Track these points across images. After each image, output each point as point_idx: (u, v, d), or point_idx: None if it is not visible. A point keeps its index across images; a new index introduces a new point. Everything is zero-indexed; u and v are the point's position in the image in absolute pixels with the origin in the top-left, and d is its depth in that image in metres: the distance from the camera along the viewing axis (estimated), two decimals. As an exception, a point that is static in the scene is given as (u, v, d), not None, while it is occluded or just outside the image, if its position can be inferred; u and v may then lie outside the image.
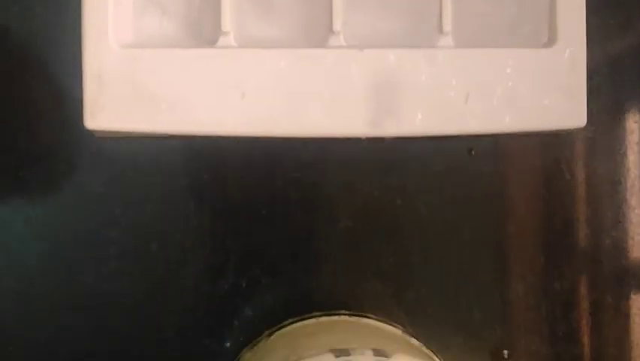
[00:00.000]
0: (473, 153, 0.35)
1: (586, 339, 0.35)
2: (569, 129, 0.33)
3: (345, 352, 0.25)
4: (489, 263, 0.35)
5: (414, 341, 0.31)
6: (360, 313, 0.33)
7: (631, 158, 0.35)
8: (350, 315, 0.33)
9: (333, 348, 0.25)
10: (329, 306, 0.34)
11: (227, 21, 0.32)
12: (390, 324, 0.33)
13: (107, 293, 0.34)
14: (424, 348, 0.29)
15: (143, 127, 0.32)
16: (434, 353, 0.31)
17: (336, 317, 0.32)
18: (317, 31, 0.32)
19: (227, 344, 0.34)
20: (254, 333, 0.34)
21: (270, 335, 0.32)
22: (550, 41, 0.32)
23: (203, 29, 0.32)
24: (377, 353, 0.25)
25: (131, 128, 0.32)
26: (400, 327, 0.33)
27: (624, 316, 0.35)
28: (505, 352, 0.35)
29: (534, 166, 0.35)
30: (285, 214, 0.35)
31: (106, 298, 0.34)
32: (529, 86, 0.32)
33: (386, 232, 0.35)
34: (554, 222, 0.35)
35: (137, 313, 0.34)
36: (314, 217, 0.35)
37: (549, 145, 0.35)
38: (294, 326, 0.32)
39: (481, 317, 0.35)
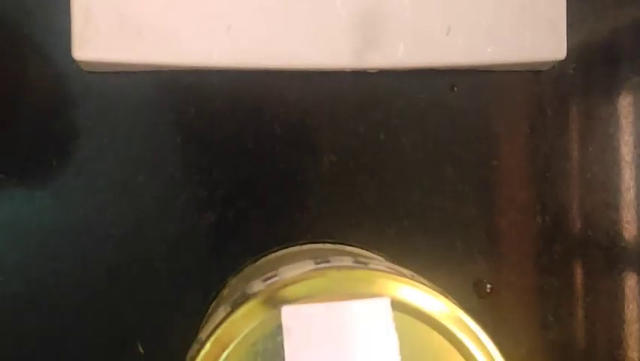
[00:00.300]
0: (456, 89, 0.36)
1: (568, 272, 0.36)
2: (550, 62, 0.34)
3: (325, 259, 0.25)
4: (472, 197, 0.36)
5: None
6: (343, 242, 0.34)
7: (612, 91, 0.36)
8: (333, 243, 0.34)
9: (314, 256, 0.25)
10: (313, 238, 0.35)
11: (211, -50, 0.32)
12: (372, 251, 0.34)
13: (94, 224, 0.34)
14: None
15: (129, 57, 0.33)
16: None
17: (320, 245, 0.33)
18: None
19: (214, 274, 0.34)
20: (240, 263, 0.34)
21: (255, 261, 0.32)
22: (531, -27, 0.33)
23: (188, -41, 0.33)
24: (356, 261, 0.25)
25: (117, 59, 0.33)
26: (383, 255, 0.33)
27: (606, 248, 0.36)
28: (488, 286, 0.35)
29: (516, 102, 0.36)
30: (271, 148, 0.35)
31: (92, 228, 0.34)
32: (511, 19, 0.33)
33: (370, 167, 0.35)
34: (537, 157, 0.36)
35: (125, 244, 0.34)
36: (299, 152, 0.35)
37: (531, 82, 0.36)
38: (278, 253, 0.32)
39: (463, 250, 0.36)
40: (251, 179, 0.35)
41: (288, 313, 0.23)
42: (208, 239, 0.35)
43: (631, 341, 0.36)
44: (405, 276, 0.25)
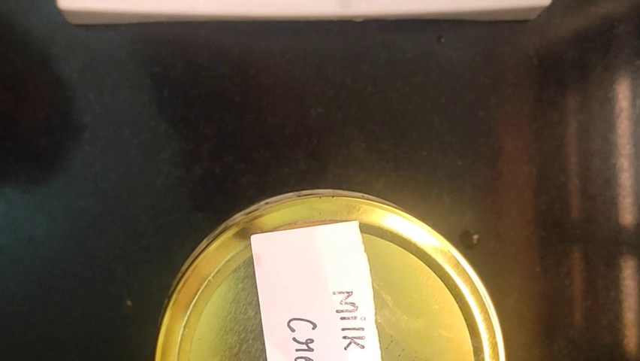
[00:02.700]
0: (442, 40, 0.35)
1: (555, 223, 0.36)
2: (535, 9, 0.34)
3: (308, 195, 0.25)
4: (458, 149, 0.36)
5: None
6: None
7: (600, 37, 0.36)
8: (320, 196, 0.34)
9: (298, 192, 0.25)
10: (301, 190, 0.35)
11: None
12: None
13: (80, 178, 0.34)
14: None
15: (114, 6, 0.32)
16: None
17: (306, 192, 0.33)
18: None
19: (201, 228, 0.34)
20: (227, 216, 0.34)
21: (239, 211, 0.32)
22: None
23: None
24: (336, 194, 0.25)
25: (102, 7, 0.32)
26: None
27: (593, 197, 0.36)
28: (475, 236, 0.36)
29: (503, 53, 0.36)
30: (257, 101, 0.35)
31: (78, 182, 0.34)
32: (497, -34, 0.33)
33: (357, 119, 0.35)
34: (522, 107, 0.36)
35: (111, 198, 0.34)
36: (286, 104, 0.35)
37: (517, 31, 0.36)
38: (263, 201, 0.32)
39: (451, 201, 0.36)
40: (237, 132, 0.35)
41: (257, 241, 0.23)
42: (194, 193, 0.35)
43: (618, 289, 0.36)
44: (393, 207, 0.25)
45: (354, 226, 0.23)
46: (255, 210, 0.24)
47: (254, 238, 0.23)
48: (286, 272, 0.23)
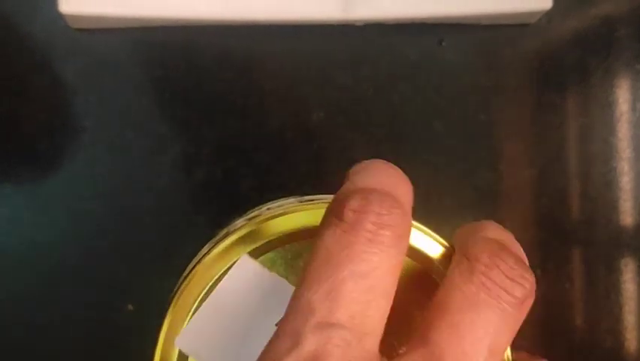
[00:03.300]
0: (444, 44, 0.35)
1: (556, 226, 0.36)
2: (536, 12, 0.34)
3: (310, 200, 0.25)
4: (460, 152, 0.36)
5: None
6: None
7: (601, 41, 0.36)
8: (320, 202, 0.34)
9: (299, 198, 0.25)
10: (302, 195, 0.35)
11: None
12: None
13: (82, 180, 0.34)
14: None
15: (115, 10, 0.32)
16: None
17: (307, 197, 0.33)
18: None
19: (202, 230, 0.34)
20: (228, 220, 0.34)
21: (240, 214, 0.32)
22: None
23: None
24: None
25: (103, 12, 0.33)
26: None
27: (591, 200, 0.36)
28: (476, 239, 0.35)
29: (504, 56, 0.36)
30: (259, 105, 0.35)
31: (81, 184, 0.34)
32: (497, -30, 0.33)
33: (359, 123, 0.35)
34: (523, 110, 0.36)
35: (112, 200, 0.34)
36: (288, 108, 0.35)
37: (518, 35, 0.36)
38: (264, 205, 0.32)
39: (452, 205, 0.36)
40: (239, 136, 0.35)
41: (243, 262, 0.23)
42: (196, 196, 0.35)
43: (621, 291, 0.36)
44: None
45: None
46: (257, 216, 0.24)
47: (243, 259, 0.23)
48: (242, 299, 0.23)
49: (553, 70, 0.36)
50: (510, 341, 0.21)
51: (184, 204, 0.35)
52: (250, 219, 0.25)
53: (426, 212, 0.35)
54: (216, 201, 0.35)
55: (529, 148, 0.36)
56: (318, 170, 0.35)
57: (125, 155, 0.34)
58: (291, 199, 0.25)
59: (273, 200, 0.34)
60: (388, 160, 0.36)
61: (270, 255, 0.24)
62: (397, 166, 0.36)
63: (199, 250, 0.33)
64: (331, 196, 0.26)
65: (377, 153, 0.35)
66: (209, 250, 0.24)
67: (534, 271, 0.36)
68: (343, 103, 0.35)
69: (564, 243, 0.36)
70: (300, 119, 0.35)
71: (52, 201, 0.34)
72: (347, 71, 0.35)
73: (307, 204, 0.24)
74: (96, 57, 0.35)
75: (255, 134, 0.35)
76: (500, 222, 0.36)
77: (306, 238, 0.23)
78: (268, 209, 0.25)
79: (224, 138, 0.35)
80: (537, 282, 0.36)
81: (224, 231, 0.25)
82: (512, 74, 0.36)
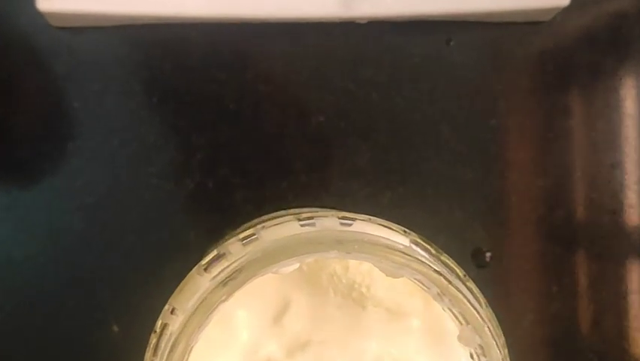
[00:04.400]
0: (452, 43, 0.33)
1: (573, 239, 0.34)
2: (551, 10, 0.32)
3: (309, 218, 0.23)
4: (469, 160, 0.33)
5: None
6: (331, 207, 0.32)
7: (618, 43, 0.34)
8: (320, 207, 0.31)
9: (297, 215, 0.23)
10: (301, 207, 0.33)
11: None
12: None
13: (63, 192, 0.32)
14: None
15: (97, 7, 0.30)
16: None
17: (306, 209, 0.31)
18: None
19: (193, 247, 0.32)
20: (220, 235, 0.32)
21: (234, 229, 0.30)
22: None
23: None
24: (342, 217, 0.23)
25: (84, 9, 0.30)
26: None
27: (611, 211, 0.34)
28: (488, 254, 0.33)
29: (516, 57, 0.34)
30: (254, 109, 0.33)
31: (61, 196, 0.32)
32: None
33: (361, 128, 0.33)
34: (537, 114, 0.34)
35: (96, 213, 0.32)
36: (284, 112, 0.33)
37: (531, 34, 0.33)
38: (260, 218, 0.30)
39: (461, 217, 0.33)
40: (232, 142, 0.33)
41: None
42: (186, 209, 0.33)
43: (636, 311, 0.34)
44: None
45: None
46: (251, 237, 0.22)
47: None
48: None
49: (568, 71, 0.34)
50: None
51: (173, 217, 0.33)
52: (243, 240, 0.23)
53: (434, 224, 0.33)
54: (208, 213, 0.33)
55: (543, 155, 0.34)
56: (318, 179, 0.33)
57: (110, 164, 0.32)
58: (289, 217, 0.23)
59: (269, 212, 0.32)
60: (393, 169, 0.34)
61: None
62: (403, 175, 0.34)
63: (188, 267, 0.31)
64: (332, 212, 0.24)
65: (381, 160, 0.33)
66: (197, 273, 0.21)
67: (549, 288, 0.34)
68: (344, 107, 0.33)
69: (581, 258, 0.34)
70: (298, 125, 0.33)
71: (30, 214, 0.32)
72: (348, 73, 0.33)
73: (306, 222, 0.22)
74: (79, 58, 0.32)
75: (249, 140, 0.33)
76: (513, 235, 0.34)
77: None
78: (263, 227, 0.23)
79: (215, 144, 0.33)
80: (552, 299, 0.35)
81: (215, 252, 0.23)
82: (525, 76, 0.34)
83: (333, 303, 0.26)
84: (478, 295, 0.23)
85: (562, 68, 0.34)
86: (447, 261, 0.24)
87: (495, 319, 0.24)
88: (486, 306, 0.23)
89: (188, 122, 0.33)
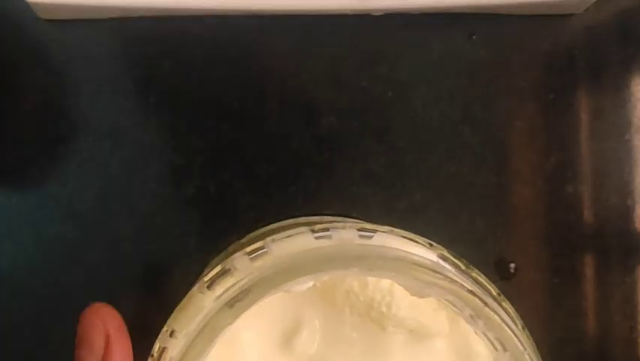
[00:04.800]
0: (474, 37, 0.31)
1: (604, 250, 0.32)
2: (583, 2, 0.29)
3: (325, 230, 0.21)
4: (493, 165, 0.32)
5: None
6: (344, 214, 0.30)
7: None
8: (332, 214, 0.29)
9: (311, 225, 0.21)
10: (310, 214, 0.31)
11: None
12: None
13: (53, 198, 0.30)
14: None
15: (88, -2, 0.28)
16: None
17: (317, 217, 0.29)
18: None
19: (193, 257, 0.30)
20: (223, 244, 0.30)
21: (239, 238, 0.28)
22: None
23: None
24: (362, 229, 0.21)
25: (75, 0, 0.28)
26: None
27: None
28: (512, 265, 0.31)
29: (544, 53, 0.32)
30: (259, 109, 0.31)
31: (51, 203, 0.30)
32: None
33: (375, 129, 0.31)
34: (566, 115, 0.32)
35: (88, 221, 0.30)
36: (293, 112, 0.31)
37: (561, 27, 0.31)
38: (267, 227, 0.28)
39: (484, 225, 0.31)
40: (236, 145, 0.31)
41: None
42: (186, 216, 0.31)
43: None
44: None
45: None
46: (260, 251, 0.20)
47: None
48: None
49: (601, 69, 0.32)
50: None
51: (172, 225, 0.31)
52: (250, 254, 0.21)
53: (454, 233, 0.31)
54: (210, 221, 0.31)
55: (574, 160, 0.32)
56: (330, 184, 0.31)
57: (103, 168, 0.31)
58: (301, 228, 0.21)
59: (277, 221, 0.30)
60: (410, 173, 0.32)
61: None
62: (420, 180, 0.32)
63: (188, 280, 0.29)
64: (350, 222, 0.22)
65: (397, 164, 0.31)
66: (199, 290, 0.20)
67: (580, 303, 0.32)
68: (357, 106, 0.31)
69: (615, 271, 0.32)
70: (307, 126, 0.31)
71: (17, 223, 0.30)
72: (362, 70, 0.31)
73: (321, 234, 0.20)
74: (69, 54, 0.31)
75: (254, 142, 0.31)
76: (540, 245, 0.32)
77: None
78: (273, 240, 0.21)
79: (218, 147, 0.31)
80: (583, 315, 0.33)
81: (219, 267, 0.21)
82: (553, 74, 0.32)
83: (349, 323, 0.25)
84: (515, 317, 0.21)
85: (594, 64, 0.32)
86: (479, 278, 0.22)
87: (533, 343, 0.21)
88: (523, 329, 0.21)
89: (187, 123, 0.31)
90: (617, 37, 0.32)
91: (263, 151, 0.31)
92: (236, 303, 0.20)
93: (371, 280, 0.24)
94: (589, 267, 0.32)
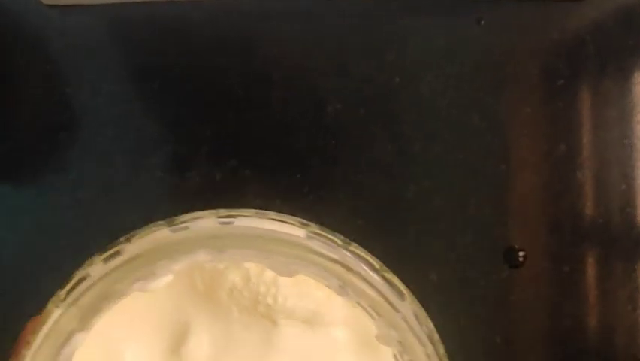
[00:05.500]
0: (483, 22, 0.31)
1: (615, 238, 0.31)
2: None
3: (182, 222, 0.21)
4: (502, 151, 0.31)
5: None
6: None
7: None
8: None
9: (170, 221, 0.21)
10: (316, 200, 0.30)
11: None
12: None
13: (54, 187, 0.30)
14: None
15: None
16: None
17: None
18: None
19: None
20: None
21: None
22: None
23: None
24: (222, 216, 0.22)
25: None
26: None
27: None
28: (521, 254, 0.31)
29: (554, 39, 0.31)
30: (264, 96, 0.31)
31: (52, 192, 0.30)
32: None
33: (382, 116, 0.31)
34: (576, 102, 0.31)
35: (91, 210, 0.30)
36: (298, 100, 0.31)
37: (571, 12, 0.31)
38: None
39: (492, 213, 0.31)
40: (241, 132, 0.31)
41: None
42: (191, 205, 0.30)
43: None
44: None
45: None
46: (114, 254, 0.20)
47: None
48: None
49: (612, 55, 0.31)
50: None
51: (177, 214, 0.30)
52: (106, 259, 0.21)
53: (463, 221, 0.31)
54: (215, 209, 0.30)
55: (584, 147, 0.31)
56: (336, 172, 0.31)
57: (106, 157, 0.30)
58: (160, 223, 0.21)
59: (280, 208, 0.29)
60: (417, 161, 0.32)
61: None
62: (428, 167, 0.32)
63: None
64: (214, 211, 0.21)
65: (404, 151, 0.31)
66: None
67: (590, 292, 0.32)
68: (364, 93, 0.31)
69: (626, 259, 0.31)
70: (313, 113, 0.31)
71: (18, 212, 0.30)
72: (368, 56, 0.31)
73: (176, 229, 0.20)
74: (72, 41, 0.31)
75: (259, 130, 0.31)
76: (549, 233, 0.31)
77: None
78: (128, 240, 0.21)
79: (223, 135, 0.31)
80: (594, 305, 0.32)
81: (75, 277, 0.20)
82: (563, 60, 0.31)
83: (238, 323, 0.24)
84: (400, 286, 0.21)
85: (604, 50, 0.31)
86: (357, 251, 0.21)
87: (423, 311, 0.21)
88: (412, 300, 0.21)
89: (192, 111, 0.31)
90: (626, 23, 0.31)
91: (268, 139, 0.31)
92: (80, 304, 0.19)
93: (253, 273, 0.23)
94: (598, 255, 0.31)
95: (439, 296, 0.30)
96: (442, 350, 0.20)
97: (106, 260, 0.20)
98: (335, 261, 0.20)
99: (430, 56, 0.31)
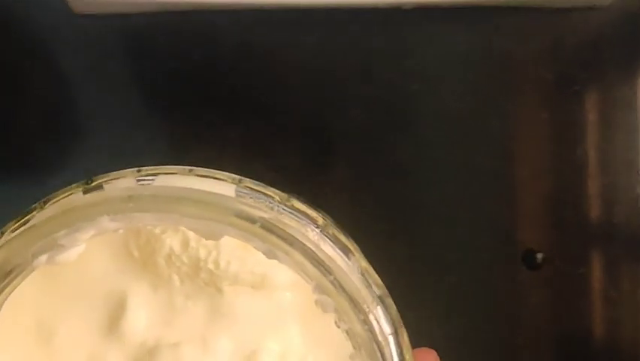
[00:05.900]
0: (501, 30, 0.31)
1: (632, 238, 0.31)
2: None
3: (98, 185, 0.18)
4: (520, 156, 0.32)
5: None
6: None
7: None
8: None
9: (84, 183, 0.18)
10: (341, 202, 0.31)
11: None
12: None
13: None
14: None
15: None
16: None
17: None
18: None
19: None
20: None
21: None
22: None
23: None
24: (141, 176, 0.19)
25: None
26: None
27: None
28: (539, 255, 0.31)
29: (570, 46, 0.32)
30: (287, 102, 0.31)
31: None
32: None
33: (401, 122, 0.31)
34: (594, 108, 0.31)
35: None
36: (320, 105, 0.31)
37: (587, 20, 0.31)
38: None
39: (511, 216, 0.31)
40: (265, 136, 0.31)
41: None
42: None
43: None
44: None
45: None
46: (24, 224, 0.18)
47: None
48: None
49: (627, 62, 0.32)
50: None
51: None
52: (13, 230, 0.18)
53: (482, 223, 0.31)
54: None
55: (602, 152, 0.31)
56: (356, 175, 0.31)
57: (134, 160, 0.30)
58: (75, 186, 0.18)
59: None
60: (438, 165, 0.32)
61: None
62: (448, 172, 0.32)
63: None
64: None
65: (425, 157, 0.31)
66: None
67: (607, 292, 0.31)
68: (384, 99, 0.31)
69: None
70: (335, 118, 0.31)
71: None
72: (389, 63, 0.31)
73: (89, 189, 0.18)
74: (102, 48, 0.31)
75: (282, 134, 0.31)
76: (567, 236, 0.32)
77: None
78: (40, 207, 0.18)
79: (248, 139, 0.31)
80: (611, 304, 0.32)
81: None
82: (580, 67, 0.32)
83: (180, 292, 0.21)
84: (346, 243, 0.18)
85: (620, 57, 0.32)
86: (299, 206, 0.19)
87: (371, 269, 0.18)
88: (360, 256, 0.18)
89: (217, 116, 0.31)
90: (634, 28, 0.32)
91: (291, 143, 0.31)
92: None
93: (192, 237, 0.21)
94: (616, 257, 0.32)
95: (458, 298, 0.31)
96: (393, 311, 0.18)
97: (13, 230, 0.17)
98: (262, 221, 0.17)
99: (449, 63, 0.31)
